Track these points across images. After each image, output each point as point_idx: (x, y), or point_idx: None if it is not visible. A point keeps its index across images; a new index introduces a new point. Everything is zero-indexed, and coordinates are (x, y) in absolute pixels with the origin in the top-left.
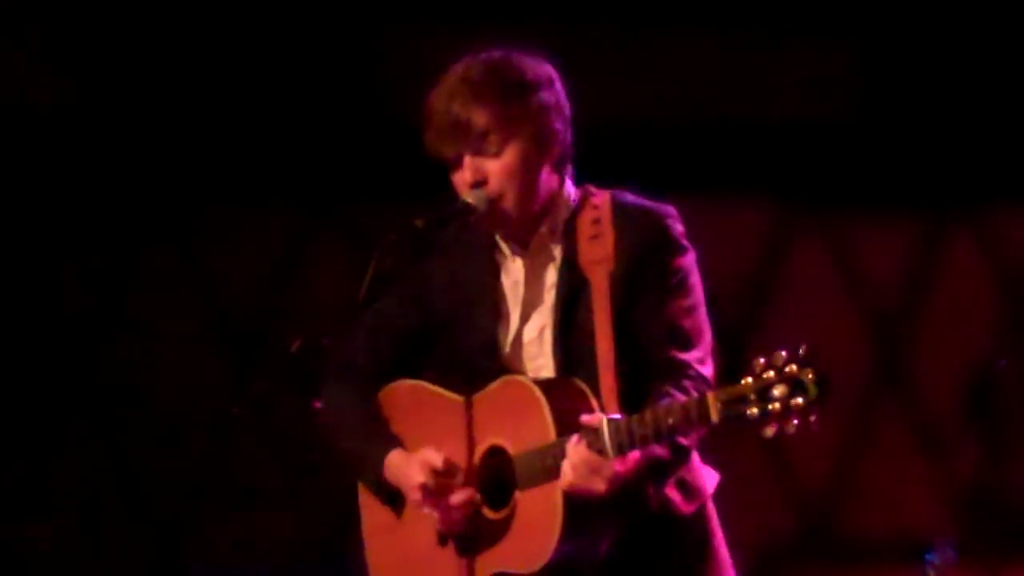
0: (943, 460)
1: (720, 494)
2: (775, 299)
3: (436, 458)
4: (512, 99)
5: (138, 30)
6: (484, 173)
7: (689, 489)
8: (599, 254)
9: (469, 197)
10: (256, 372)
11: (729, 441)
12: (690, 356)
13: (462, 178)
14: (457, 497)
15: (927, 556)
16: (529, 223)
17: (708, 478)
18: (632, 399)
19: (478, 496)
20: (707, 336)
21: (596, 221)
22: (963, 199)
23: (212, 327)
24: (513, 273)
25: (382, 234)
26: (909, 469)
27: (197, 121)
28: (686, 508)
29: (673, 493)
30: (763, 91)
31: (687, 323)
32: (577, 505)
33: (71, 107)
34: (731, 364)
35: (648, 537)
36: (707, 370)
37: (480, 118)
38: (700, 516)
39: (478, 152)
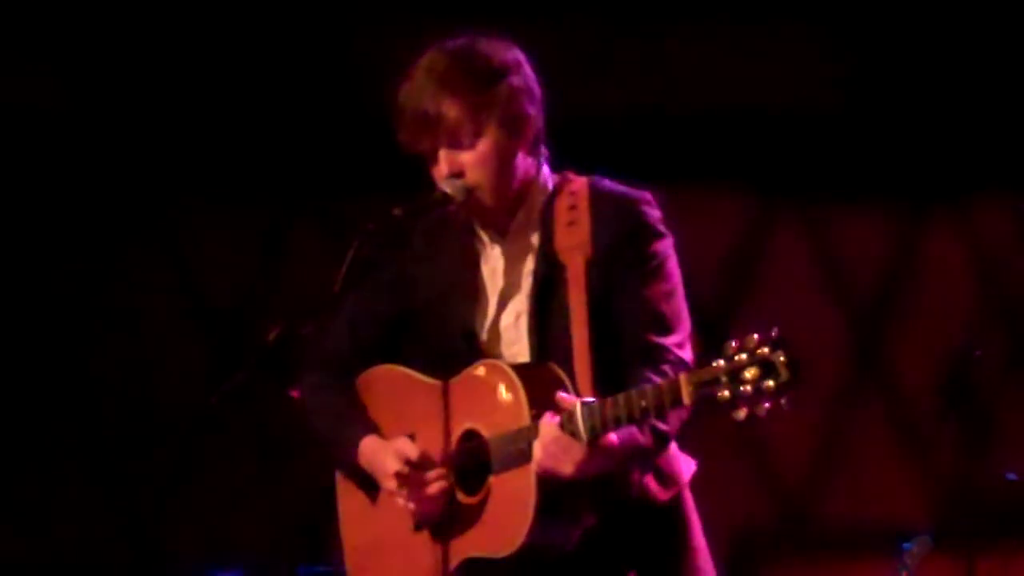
0: (920, 450)
1: (698, 483)
2: (754, 288)
3: (410, 449)
4: (480, 88)
5: (120, 28)
6: (460, 165)
7: (665, 477)
8: (576, 240)
9: (447, 187)
10: (235, 362)
11: (707, 430)
12: (669, 340)
13: (439, 172)
14: (431, 489)
15: (904, 546)
16: (506, 210)
17: (685, 466)
18: (610, 384)
19: (452, 484)
20: (686, 321)
21: (573, 207)
22: (942, 190)
23: (192, 318)
24: (492, 260)
25: (360, 224)
26: (886, 459)
27: (177, 116)
28: (662, 496)
29: (649, 480)
30: (744, 82)
31: (665, 308)
32: (551, 489)
33: (51, 103)
34: (708, 350)
35: (624, 524)
36: (686, 354)
37: (450, 111)
38: (676, 503)
39: (452, 145)
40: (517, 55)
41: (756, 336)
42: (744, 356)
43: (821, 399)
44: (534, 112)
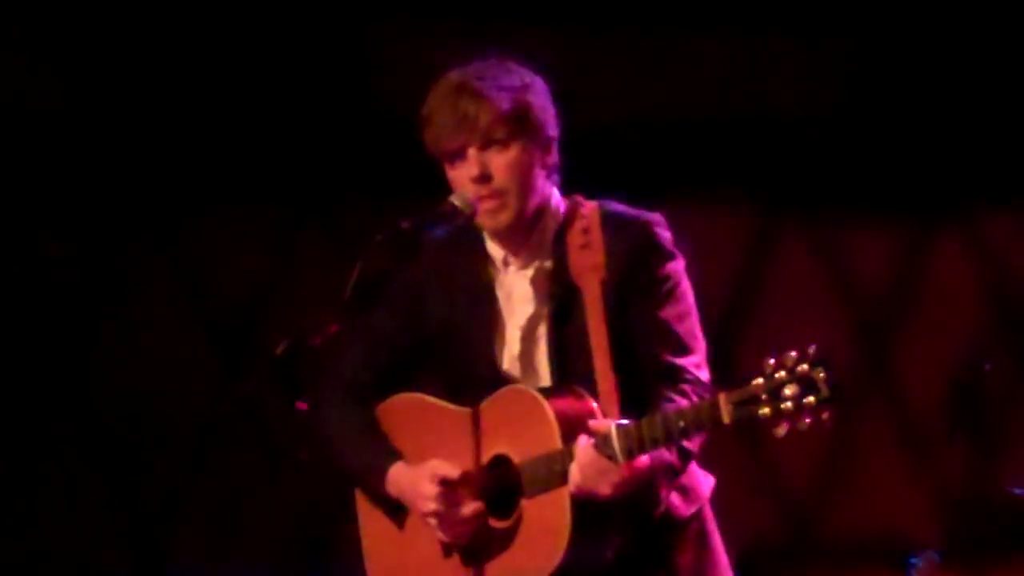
0: (928, 463)
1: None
2: (761, 300)
3: (447, 469)
4: (520, 97)
5: (126, 32)
6: (489, 167)
7: (688, 492)
8: (590, 263)
9: (456, 199)
10: (243, 373)
11: (713, 442)
12: (687, 361)
13: (465, 172)
14: (467, 509)
15: (911, 561)
16: (523, 229)
17: (705, 481)
18: (632, 405)
19: (483, 507)
20: (701, 342)
21: (585, 231)
22: (950, 201)
23: (199, 327)
24: (506, 286)
25: (369, 234)
26: (894, 471)
27: (184, 122)
28: (685, 511)
29: (673, 497)
30: (751, 91)
31: (681, 329)
32: (586, 510)
33: (59, 108)
34: (717, 364)
35: (648, 541)
36: (704, 374)
37: (491, 110)
38: (698, 519)
39: (485, 145)
40: (544, 84)
41: (794, 353)
42: (783, 373)
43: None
44: (556, 139)
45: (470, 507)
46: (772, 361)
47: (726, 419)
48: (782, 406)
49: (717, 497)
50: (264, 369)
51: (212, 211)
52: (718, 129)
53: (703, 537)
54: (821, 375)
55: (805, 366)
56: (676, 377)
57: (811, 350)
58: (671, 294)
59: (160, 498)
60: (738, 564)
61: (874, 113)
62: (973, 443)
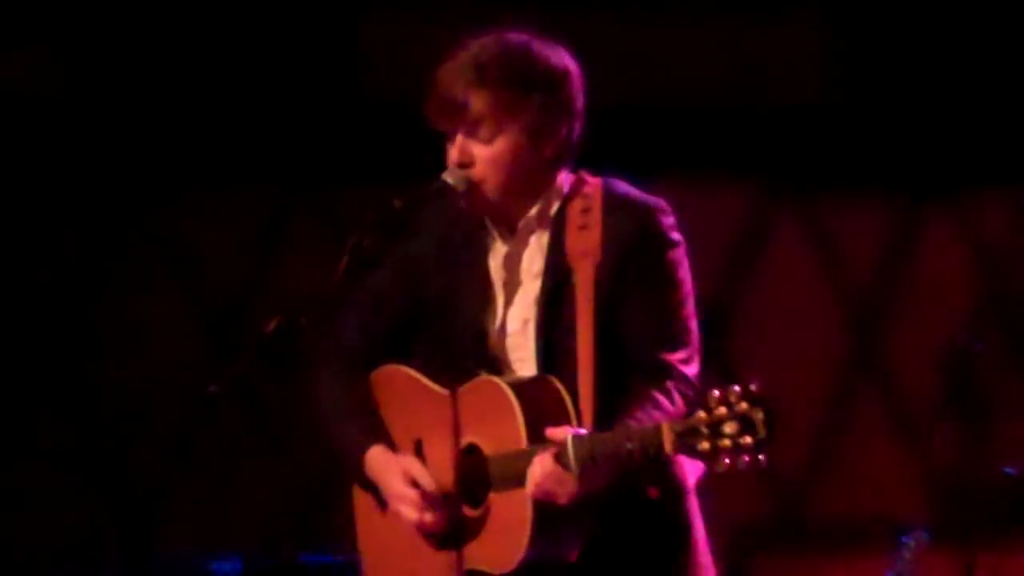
0: (919, 444)
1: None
2: (753, 282)
3: (417, 471)
4: (513, 91)
5: (117, 13)
6: (471, 156)
7: (668, 483)
8: (586, 245)
9: (448, 177)
10: (233, 352)
11: None
12: (674, 356)
13: (451, 156)
14: (435, 512)
15: (902, 539)
16: (514, 208)
17: (690, 469)
18: (614, 398)
19: (455, 499)
20: (693, 334)
21: (586, 210)
22: (941, 183)
23: (191, 307)
24: (499, 256)
25: (360, 214)
26: (885, 453)
27: (175, 102)
28: (666, 503)
29: (652, 488)
30: (743, 74)
31: (672, 322)
32: (547, 512)
33: (49, 90)
34: (707, 351)
35: (627, 531)
36: (691, 370)
37: (476, 103)
38: (679, 508)
39: (469, 134)
40: (569, 66)
41: (737, 388)
42: (724, 410)
43: (819, 393)
44: (566, 129)
45: (439, 509)
46: (716, 394)
47: (668, 448)
48: (720, 443)
49: (707, 479)
50: (255, 347)
51: (203, 192)
52: (710, 113)
53: (683, 527)
54: (760, 416)
55: (745, 404)
56: (663, 373)
57: (752, 387)
58: (667, 284)
59: (153, 480)
60: (728, 545)
61: (867, 94)
62: (963, 422)
